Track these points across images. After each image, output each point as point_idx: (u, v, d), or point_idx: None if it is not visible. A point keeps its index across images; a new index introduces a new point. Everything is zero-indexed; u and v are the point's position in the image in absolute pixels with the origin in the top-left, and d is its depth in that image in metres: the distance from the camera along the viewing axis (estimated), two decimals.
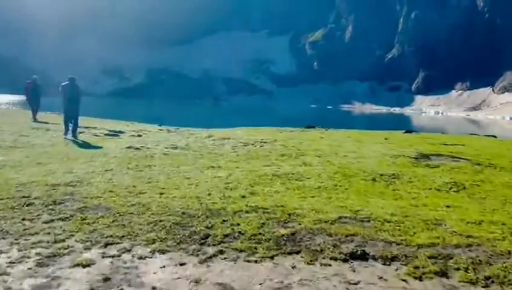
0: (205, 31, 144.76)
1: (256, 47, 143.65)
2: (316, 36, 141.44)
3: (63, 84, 17.42)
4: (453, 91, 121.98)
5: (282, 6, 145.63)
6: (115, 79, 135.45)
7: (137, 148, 12.46)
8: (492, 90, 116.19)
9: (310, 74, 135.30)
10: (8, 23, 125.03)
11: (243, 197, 6.74)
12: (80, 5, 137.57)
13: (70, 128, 17.16)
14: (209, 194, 6.80)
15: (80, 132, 18.49)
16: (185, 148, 12.97)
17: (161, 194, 6.72)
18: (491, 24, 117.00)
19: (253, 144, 13.79)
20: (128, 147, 12.59)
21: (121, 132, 20.51)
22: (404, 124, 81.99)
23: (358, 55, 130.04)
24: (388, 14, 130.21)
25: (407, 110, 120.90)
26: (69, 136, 16.59)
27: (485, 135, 23.44)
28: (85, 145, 14.33)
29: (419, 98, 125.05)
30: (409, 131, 22.25)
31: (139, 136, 18.42)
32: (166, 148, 12.85)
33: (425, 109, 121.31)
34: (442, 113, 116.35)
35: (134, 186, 7.27)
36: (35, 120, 22.50)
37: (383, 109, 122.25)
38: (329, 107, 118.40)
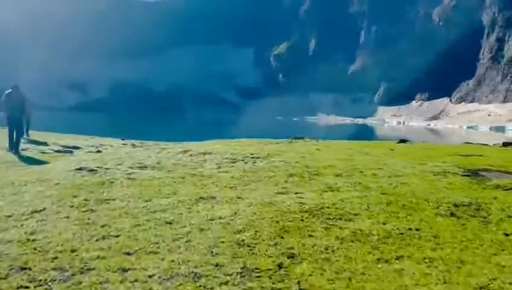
0: (170, 43, 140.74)
1: (222, 60, 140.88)
2: (280, 49, 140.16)
3: (7, 92, 14.95)
4: (413, 102, 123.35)
5: (246, 19, 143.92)
6: (76, 93, 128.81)
7: (91, 170, 8.98)
8: (450, 100, 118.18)
9: (275, 86, 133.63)
10: None
11: (280, 267, 3.55)
12: (37, 13, 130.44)
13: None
14: (217, 266, 3.56)
15: (24, 149, 14.82)
16: (156, 167, 9.62)
17: (124, 271, 3.40)
18: (447, 37, 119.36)
19: (243, 160, 10.60)
20: (79, 169, 9.08)
21: (76, 148, 16.86)
22: (370, 134, 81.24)
23: (322, 67, 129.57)
24: (350, 28, 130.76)
25: (370, 121, 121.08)
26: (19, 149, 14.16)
27: (481, 144, 21.20)
28: (22, 166, 10.68)
29: (381, 109, 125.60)
30: (403, 140, 19.71)
31: (98, 151, 14.85)
32: (132, 168, 9.46)
33: (388, 119, 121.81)
34: (403, 123, 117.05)
35: (73, 250, 3.91)
36: None
37: (347, 120, 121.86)
38: (295, 119, 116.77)
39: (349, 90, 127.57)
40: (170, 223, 4.89)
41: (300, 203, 5.89)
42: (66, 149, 15.98)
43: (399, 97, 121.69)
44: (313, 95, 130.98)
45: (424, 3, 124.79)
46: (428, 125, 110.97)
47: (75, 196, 6.28)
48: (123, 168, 9.35)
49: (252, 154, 11.56)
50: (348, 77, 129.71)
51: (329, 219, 5.17)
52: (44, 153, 14.52)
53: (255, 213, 5.31)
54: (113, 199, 6.08)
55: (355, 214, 5.36)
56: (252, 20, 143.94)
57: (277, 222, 4.96)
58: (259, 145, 15.64)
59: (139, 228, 4.61)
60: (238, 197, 6.29)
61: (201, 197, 6.25)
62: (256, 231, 4.56)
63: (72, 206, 5.61)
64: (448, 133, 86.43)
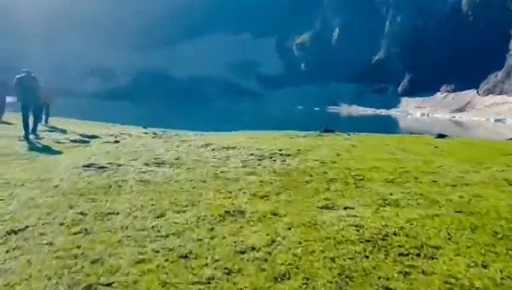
0: (192, 33, 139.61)
1: (244, 49, 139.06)
2: (303, 38, 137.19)
3: (18, 76, 13.91)
4: (438, 93, 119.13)
5: (269, 8, 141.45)
6: (101, 80, 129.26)
7: (100, 168, 7.73)
8: (477, 92, 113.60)
9: (297, 75, 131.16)
10: None
11: None
12: (64, 5, 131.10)
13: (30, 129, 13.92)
14: None
15: (40, 137, 13.85)
16: (175, 164, 8.29)
17: None
18: (475, 27, 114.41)
19: (271, 158, 9.17)
20: (87, 166, 7.84)
21: (94, 137, 15.80)
22: (394, 126, 78.51)
23: (345, 57, 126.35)
24: (374, 17, 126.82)
25: (393, 112, 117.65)
26: (31, 138, 13.42)
27: None
28: (29, 159, 9.53)
29: (405, 100, 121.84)
30: (441, 135, 17.87)
31: (116, 142, 13.67)
32: (147, 164, 8.17)
33: (411, 110, 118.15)
34: (427, 115, 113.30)
35: None
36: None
37: (369, 111, 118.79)
38: (317, 108, 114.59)
39: (372, 80, 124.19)
40: (186, 256, 3.53)
41: (356, 226, 4.45)
42: (82, 139, 14.94)
43: (423, 88, 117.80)
44: (334, 84, 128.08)
45: None
46: (453, 117, 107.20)
47: (71, 207, 4.99)
48: (137, 165, 8.07)
49: (280, 150, 10.13)
50: (371, 67, 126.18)
51: (402, 254, 3.72)
52: (59, 142, 13.45)
53: (299, 243, 3.90)
54: (117, 213, 4.76)
55: (436, 247, 3.89)
56: (274, 9, 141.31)
57: (332, 259, 3.54)
58: (285, 138, 14.18)
59: (141, 268, 3.26)
60: (273, 213, 4.90)
61: (226, 212, 4.87)
62: (306, 278, 3.15)
63: (62, 224, 4.30)
64: (474, 126, 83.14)
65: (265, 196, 5.79)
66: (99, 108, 71.29)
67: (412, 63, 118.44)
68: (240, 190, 6.13)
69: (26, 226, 4.23)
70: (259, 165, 8.36)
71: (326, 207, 5.25)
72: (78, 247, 3.68)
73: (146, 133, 20.28)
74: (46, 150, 11.73)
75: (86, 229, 4.14)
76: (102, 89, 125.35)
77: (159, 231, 4.16)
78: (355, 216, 4.82)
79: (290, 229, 4.31)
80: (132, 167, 7.85)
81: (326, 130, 14.95)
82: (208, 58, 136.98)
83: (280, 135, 15.95)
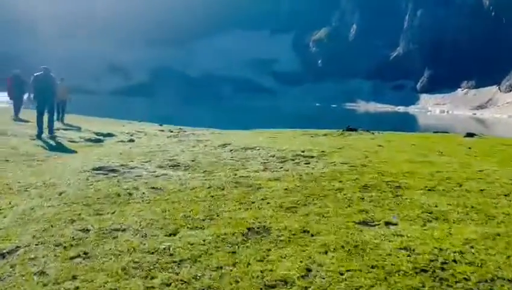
0: (208, 30, 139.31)
1: (260, 46, 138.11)
2: (319, 34, 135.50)
3: (36, 74, 13.68)
4: (459, 90, 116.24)
5: (285, 5, 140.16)
6: (118, 77, 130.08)
7: (111, 171, 7.13)
8: (499, 88, 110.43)
9: (314, 72, 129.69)
10: (10, 22, 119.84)
11: None
12: (82, 3, 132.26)
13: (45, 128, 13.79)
14: None
15: (54, 136, 13.45)
16: (190, 167, 7.65)
17: None
18: (497, 22, 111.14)
19: (293, 160, 8.45)
20: (98, 169, 7.26)
21: (110, 135, 15.36)
22: (413, 123, 76.65)
23: (362, 53, 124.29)
24: (393, 12, 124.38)
25: (412, 109, 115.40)
26: (45, 135, 13.28)
27: None
28: (39, 160, 9.01)
29: (424, 97, 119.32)
30: (470, 134, 16.87)
31: (131, 141, 13.19)
32: (161, 167, 7.55)
33: (431, 107, 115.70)
34: (448, 112, 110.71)
35: None
36: (17, 118, 18.40)
37: (388, 108, 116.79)
38: (334, 105, 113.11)
39: (390, 76, 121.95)
40: None
41: (405, 249, 3.70)
42: (97, 137, 14.50)
43: (443, 85, 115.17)
44: (352, 81, 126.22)
45: None
46: (474, 114, 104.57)
47: (72, 221, 4.37)
48: (151, 168, 7.45)
49: (302, 151, 9.39)
50: (389, 63, 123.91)
51: None
52: (72, 141, 13.02)
53: (340, 274, 3.17)
54: (123, 230, 4.10)
55: (510, 281, 3.13)
56: (291, 5, 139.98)
57: None
58: (305, 137, 13.45)
59: None
60: (303, 231, 4.18)
61: (249, 229, 4.18)
62: None
63: (58, 245, 3.66)
64: (497, 123, 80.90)
65: (293, 207, 5.08)
66: (117, 105, 71.52)
67: (432, 59, 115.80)
68: (263, 199, 5.44)
69: (17, 247, 3.61)
70: (281, 168, 7.64)
71: (365, 223, 4.51)
72: (74, 278, 3.03)
73: (162, 130, 19.77)
74: (58, 149, 11.25)
75: (85, 253, 3.49)
76: (120, 86, 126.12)
77: (171, 255, 3.49)
78: (401, 235, 4.07)
79: (326, 253, 3.59)
80: (145, 171, 7.23)
81: (349, 129, 14.11)
82: (224, 55, 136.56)
83: (299, 133, 15.26)
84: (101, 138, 14.55)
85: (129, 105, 74.74)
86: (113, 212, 4.68)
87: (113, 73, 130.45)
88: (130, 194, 5.61)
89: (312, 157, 8.85)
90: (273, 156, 8.86)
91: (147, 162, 8.13)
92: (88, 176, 6.79)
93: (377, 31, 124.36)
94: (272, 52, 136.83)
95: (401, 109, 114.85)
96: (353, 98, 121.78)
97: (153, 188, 5.97)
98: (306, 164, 8.12)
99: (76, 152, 10.78)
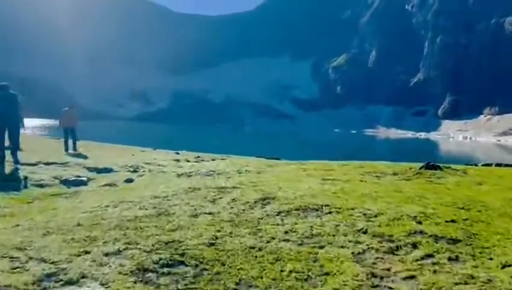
0: (228, 56, 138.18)
1: (279, 72, 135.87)
2: (339, 61, 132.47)
3: None
4: (482, 116, 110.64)
5: (304, 32, 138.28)
6: (140, 103, 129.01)
7: None
8: None
9: (333, 98, 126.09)
10: (36, 49, 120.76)
11: None
12: (107, 31, 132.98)
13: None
14: None
15: (19, 178, 9.42)
16: (206, 265, 3.55)
17: None
18: None
19: (414, 246, 4.19)
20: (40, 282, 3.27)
21: (106, 171, 10.95)
22: (435, 149, 71.36)
23: (382, 79, 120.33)
24: (412, 39, 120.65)
25: (433, 135, 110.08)
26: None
27: None
28: None
29: (446, 123, 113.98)
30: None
31: (128, 181, 9.12)
32: (144, 270, 3.49)
33: (453, 134, 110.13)
34: (470, 138, 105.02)
35: None
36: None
37: (409, 134, 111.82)
38: (353, 131, 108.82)
39: (410, 102, 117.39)
40: None
41: None
42: (80, 178, 10.06)
43: (465, 111, 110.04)
44: (371, 107, 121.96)
45: (496, 12, 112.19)
46: (499, 141, 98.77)
47: None
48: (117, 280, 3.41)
49: (416, 220, 5.13)
50: (410, 89, 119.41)
51: None
52: (40, 186, 8.83)
53: None
54: None
55: None
56: (310, 32, 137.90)
57: None
58: (371, 178, 9.24)
59: None
60: None
61: None
62: None
63: None
64: None
65: None
66: (137, 131, 69.04)
67: (453, 84, 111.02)
68: None
69: None
70: (405, 279, 3.43)
71: None
72: None
73: (177, 160, 15.78)
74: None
75: None
76: (142, 111, 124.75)
77: None
78: None
79: None
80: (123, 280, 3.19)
81: (430, 167, 9.85)
82: (245, 81, 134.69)
83: (358, 170, 10.87)
84: (85, 178, 10.13)
85: (149, 130, 72.25)
86: None
87: (135, 99, 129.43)
88: None
89: (376, 215, 4.66)
90: (365, 233, 4.49)
91: (119, 252, 4.07)
92: None
93: (396, 57, 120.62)
94: (292, 78, 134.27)
95: (422, 135, 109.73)
96: (373, 124, 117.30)
97: None
98: (452, 260, 3.82)
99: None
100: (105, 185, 8.41)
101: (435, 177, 9.12)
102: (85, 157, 13.16)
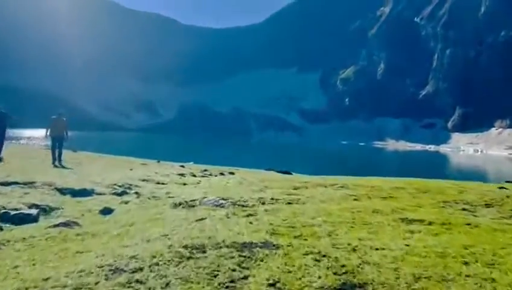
0: (236, 68, 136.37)
1: (287, 83, 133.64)
2: (347, 73, 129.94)
3: None
4: (493, 129, 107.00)
5: (313, 44, 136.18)
6: (148, 114, 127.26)
7: None
8: None
9: (341, 110, 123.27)
10: (42, 60, 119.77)
11: None
12: (115, 42, 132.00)
13: None
14: None
15: None
16: None
17: None
18: None
19: None
20: None
21: (85, 193, 7.94)
22: (445, 163, 68.02)
23: (390, 91, 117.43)
24: (421, 51, 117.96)
25: (443, 148, 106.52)
26: None
27: None
28: None
29: (456, 136, 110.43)
30: None
31: (105, 213, 6.23)
32: None
33: (463, 146, 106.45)
34: (481, 151, 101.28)
35: None
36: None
37: (418, 146, 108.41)
38: (362, 143, 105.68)
39: (419, 115, 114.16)
40: None
41: None
42: (25, 213, 6.79)
43: (475, 124, 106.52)
44: (380, 119, 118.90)
45: (506, 24, 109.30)
46: (510, 154, 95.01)
47: None
48: None
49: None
50: (419, 102, 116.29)
51: None
52: None
53: None
54: None
55: None
56: (319, 44, 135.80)
57: None
58: (407, 200, 6.26)
59: None
60: None
61: None
62: None
63: None
64: None
65: None
66: (143, 142, 66.65)
67: (463, 97, 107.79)
68: None
69: None
70: None
71: None
72: None
73: (182, 175, 12.93)
74: None
75: None
76: (149, 122, 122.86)
77: None
78: None
79: None
80: None
81: (505, 185, 6.94)
82: (253, 92, 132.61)
83: (423, 193, 7.84)
84: (36, 211, 6.64)
85: (156, 141, 69.91)
86: None
87: (142, 110, 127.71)
88: None
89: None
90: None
91: None
92: None
93: (405, 69, 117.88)
94: (300, 89, 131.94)
95: (432, 147, 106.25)
96: (381, 136, 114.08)
97: None
98: None
99: None
100: (60, 224, 5.34)
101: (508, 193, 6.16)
102: (68, 172, 10.38)
